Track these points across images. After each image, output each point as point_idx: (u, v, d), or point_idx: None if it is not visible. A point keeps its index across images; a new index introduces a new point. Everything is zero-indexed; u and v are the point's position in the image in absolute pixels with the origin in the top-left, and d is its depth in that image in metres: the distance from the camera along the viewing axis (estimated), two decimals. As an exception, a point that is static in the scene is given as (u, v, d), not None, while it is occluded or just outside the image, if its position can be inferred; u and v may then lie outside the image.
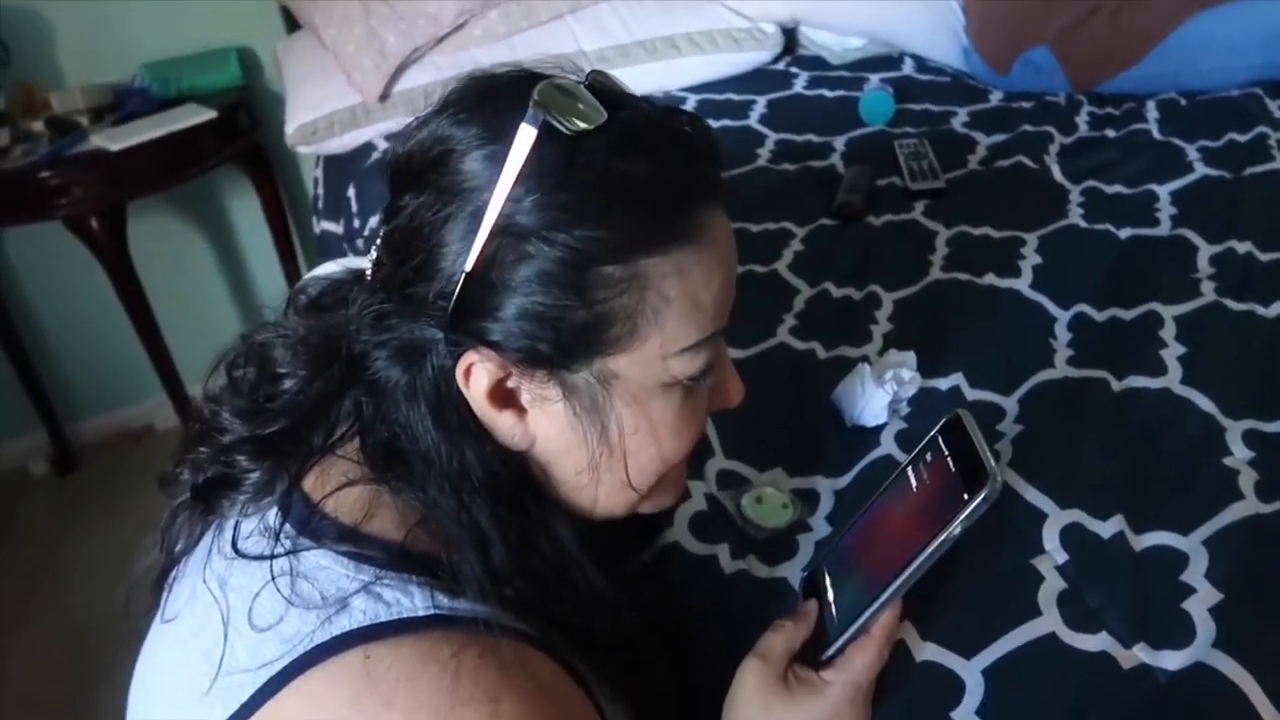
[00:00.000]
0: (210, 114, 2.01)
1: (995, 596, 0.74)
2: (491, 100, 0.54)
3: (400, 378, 0.55)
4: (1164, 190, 1.33)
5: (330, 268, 0.73)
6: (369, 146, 1.82)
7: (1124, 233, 1.23)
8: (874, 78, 1.83)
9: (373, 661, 0.48)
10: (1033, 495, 0.82)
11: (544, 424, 0.56)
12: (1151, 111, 1.63)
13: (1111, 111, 1.65)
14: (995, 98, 1.76)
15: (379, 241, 0.57)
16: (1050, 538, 0.78)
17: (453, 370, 0.53)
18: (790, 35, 2.07)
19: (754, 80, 1.92)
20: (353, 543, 0.53)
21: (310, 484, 0.57)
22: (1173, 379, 0.95)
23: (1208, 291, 1.08)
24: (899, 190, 1.40)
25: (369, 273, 0.58)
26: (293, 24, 2.19)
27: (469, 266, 0.50)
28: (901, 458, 0.88)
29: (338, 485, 0.55)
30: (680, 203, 0.53)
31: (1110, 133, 1.57)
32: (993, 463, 0.57)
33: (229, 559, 0.55)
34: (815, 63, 2.01)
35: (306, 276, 0.72)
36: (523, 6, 1.89)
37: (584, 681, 0.57)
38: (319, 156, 1.95)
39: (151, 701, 0.56)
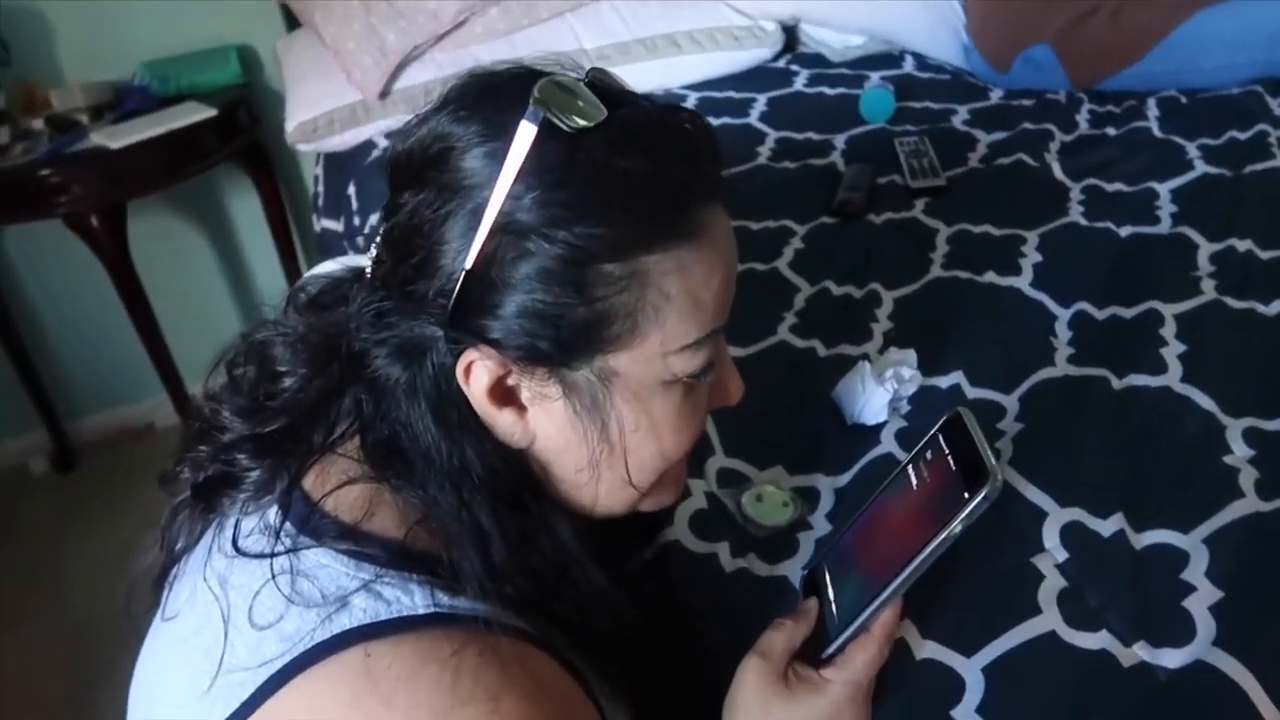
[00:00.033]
0: (210, 112, 2.01)
1: (995, 595, 0.74)
2: (492, 97, 0.54)
3: (400, 375, 0.55)
4: (1164, 188, 1.33)
5: (330, 266, 0.73)
6: (369, 144, 1.82)
7: (1124, 231, 1.23)
8: (874, 75, 1.83)
9: (373, 660, 0.48)
10: (1033, 493, 0.82)
11: (544, 422, 0.56)
12: (1152, 109, 1.63)
13: (1112, 109, 1.65)
14: (996, 95, 1.76)
15: (379, 239, 0.57)
16: (1050, 536, 0.78)
17: (453, 368, 0.53)
18: (791, 33, 2.07)
19: (754, 78, 1.92)
20: (353, 541, 0.53)
21: (310, 482, 0.57)
22: (1173, 377, 0.95)
23: (1208, 289, 1.08)
24: (899, 188, 1.40)
25: (369, 270, 0.58)
26: (293, 22, 2.19)
27: (469, 264, 0.50)
28: (902, 456, 0.88)
29: (338, 483, 0.55)
30: (680, 200, 0.53)
31: (1111, 131, 1.57)
32: (993, 461, 0.57)
33: (229, 557, 0.55)
34: (816, 60, 2.01)
35: (306, 274, 0.72)
36: (523, 4, 1.89)
37: (584, 680, 0.57)
38: (319, 154, 1.95)
39: (152, 700, 0.56)
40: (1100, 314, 1.06)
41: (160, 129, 1.93)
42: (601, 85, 0.55)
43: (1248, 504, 0.79)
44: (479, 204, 0.50)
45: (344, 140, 1.83)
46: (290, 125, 1.83)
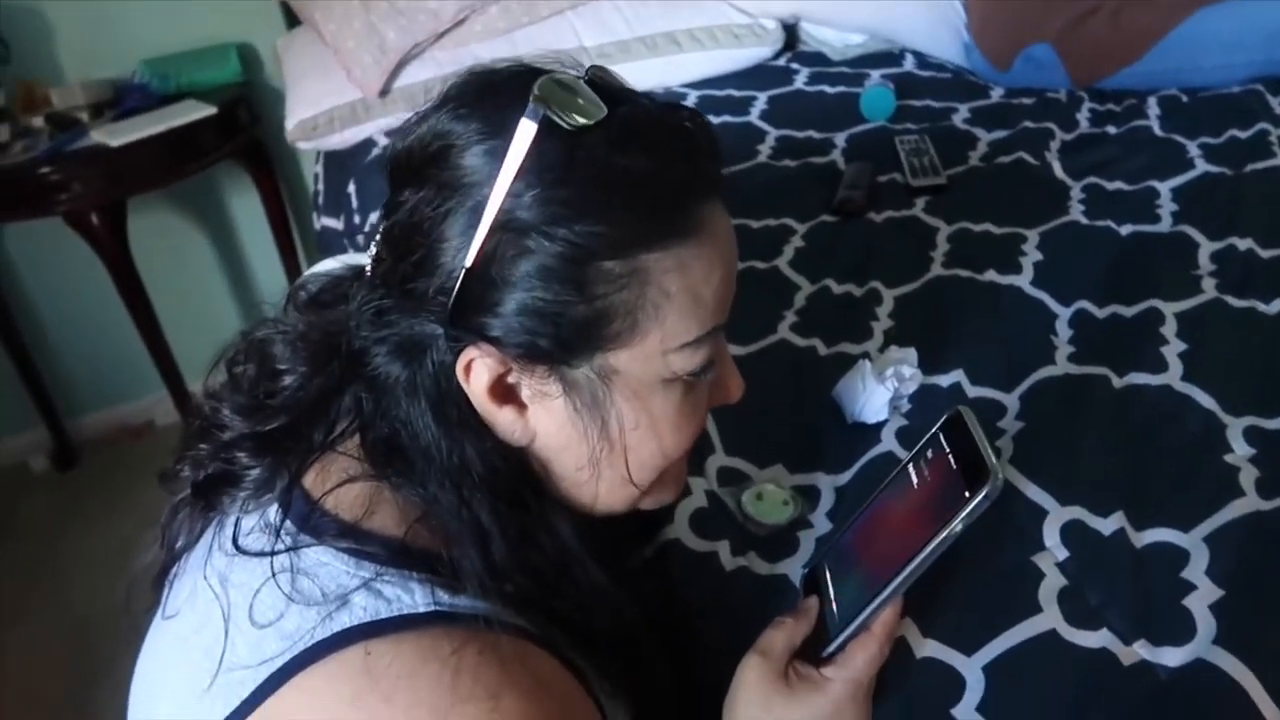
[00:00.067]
0: (210, 110, 2.01)
1: (996, 593, 0.74)
2: (491, 95, 0.53)
3: (400, 373, 0.54)
4: (1165, 187, 1.33)
5: (330, 264, 0.73)
6: (369, 142, 1.82)
7: (1125, 229, 1.23)
8: (875, 74, 1.83)
9: (373, 658, 0.48)
10: (1033, 492, 0.82)
11: (544, 420, 0.56)
12: (1153, 108, 1.63)
13: (1113, 108, 1.65)
14: (996, 94, 1.76)
15: (379, 237, 0.57)
16: (1051, 534, 0.78)
17: (453, 366, 0.53)
18: (791, 31, 2.07)
19: (755, 76, 1.91)
20: (353, 539, 0.53)
21: (311, 481, 0.57)
22: (1173, 376, 0.95)
23: (1209, 288, 1.08)
24: (900, 186, 1.39)
25: (369, 268, 0.58)
26: (293, 20, 2.19)
27: (469, 262, 0.50)
28: (902, 454, 0.88)
29: (338, 482, 0.55)
30: (681, 198, 0.53)
31: (1111, 129, 1.56)
32: (994, 460, 0.57)
33: (230, 555, 0.55)
34: (816, 59, 2.01)
35: (306, 273, 0.72)
36: (523, 3, 1.89)
37: (584, 678, 0.57)
38: (319, 152, 1.95)
39: (152, 698, 0.56)
40: (1101, 313, 1.06)
41: (160, 127, 1.93)
42: (601, 83, 0.54)
43: (1248, 502, 0.79)
44: (479, 202, 0.50)
45: (344, 138, 1.83)
46: (290, 123, 1.83)
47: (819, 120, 1.65)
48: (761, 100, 1.79)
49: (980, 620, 0.72)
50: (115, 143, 1.87)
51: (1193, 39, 1.65)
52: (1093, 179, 1.38)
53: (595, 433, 0.56)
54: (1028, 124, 1.58)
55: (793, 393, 0.99)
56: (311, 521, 0.54)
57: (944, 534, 0.57)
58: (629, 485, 0.59)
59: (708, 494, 0.87)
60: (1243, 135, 1.46)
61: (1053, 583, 0.74)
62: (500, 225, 0.50)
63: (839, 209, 1.33)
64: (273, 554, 0.53)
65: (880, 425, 0.93)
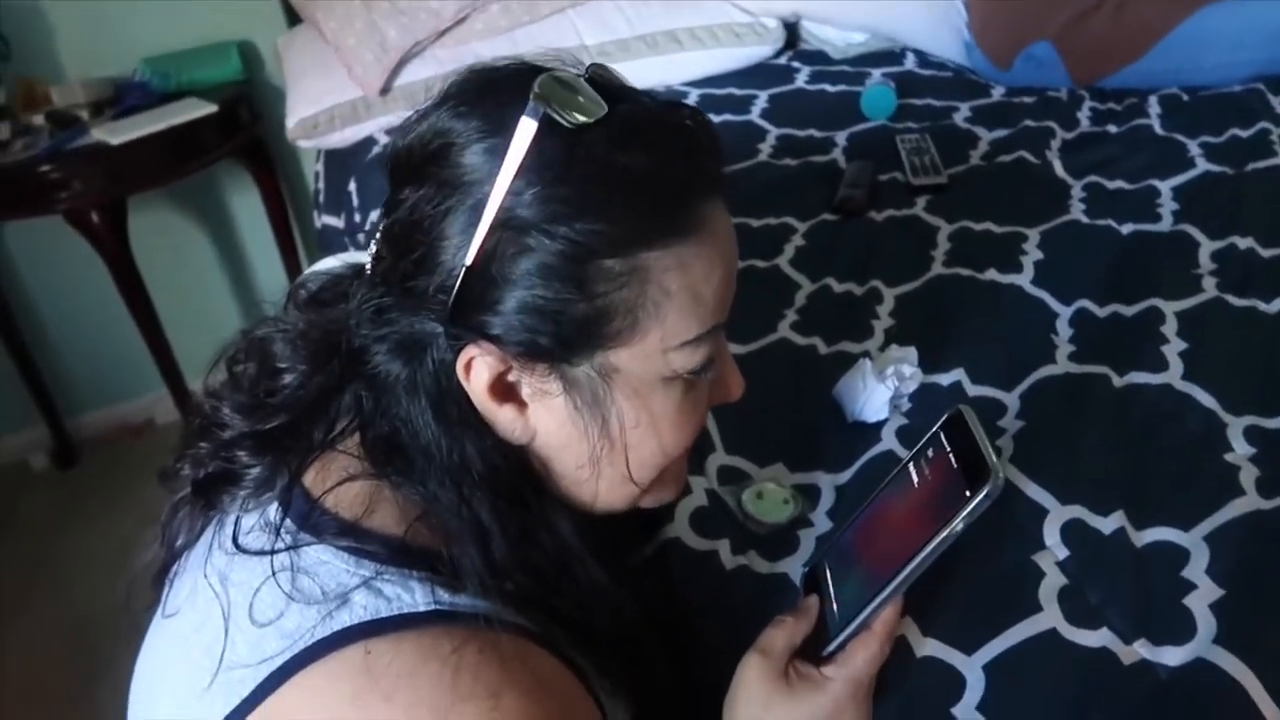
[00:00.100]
0: (211, 108, 2.01)
1: (996, 592, 0.74)
2: (491, 93, 0.53)
3: (400, 372, 0.54)
4: (1166, 186, 1.33)
5: (330, 262, 0.73)
6: (370, 141, 1.82)
7: (1126, 228, 1.23)
8: (876, 73, 1.83)
9: (373, 657, 0.48)
10: (1034, 491, 0.82)
11: (545, 418, 0.56)
12: (1153, 107, 1.63)
13: (1113, 107, 1.65)
14: (997, 93, 1.76)
15: (379, 235, 0.57)
16: (1051, 533, 0.78)
17: (453, 364, 0.53)
18: (792, 30, 2.07)
19: (756, 75, 1.91)
20: (353, 538, 0.53)
21: (311, 479, 0.57)
22: (1174, 375, 0.95)
23: (1209, 287, 1.08)
24: (901, 185, 1.39)
25: (369, 267, 0.58)
26: (293, 18, 2.19)
27: (469, 260, 0.50)
28: (903, 453, 0.88)
29: (338, 480, 0.55)
30: (681, 196, 0.53)
31: (1112, 128, 1.56)
32: (995, 459, 0.57)
33: (230, 554, 0.55)
34: (817, 57, 2.01)
35: (307, 271, 0.72)
36: (524, 1, 1.89)
37: (584, 676, 0.57)
38: (320, 151, 1.95)
39: (152, 696, 0.56)
40: (1101, 312, 1.06)
41: (161, 125, 1.93)
42: (602, 81, 0.54)
43: (1248, 502, 0.79)
44: (479, 200, 0.50)
45: (344, 136, 1.83)
46: (291, 121, 1.83)
47: (820, 119, 1.65)
48: (762, 99, 1.79)
49: (980, 619, 0.72)
50: (116, 141, 1.87)
51: (1194, 38, 1.65)
52: (1093, 178, 1.38)
53: (595, 431, 0.56)
54: (1028, 123, 1.58)
55: (793, 391, 0.99)
56: (311, 520, 0.54)
57: (945, 533, 0.57)
58: (629, 484, 0.59)
59: (708, 493, 0.87)
60: (1244, 134, 1.46)
61: (1053, 582, 0.74)
62: (500, 223, 0.50)
63: (840, 208, 1.33)
64: (273, 552, 0.53)
65: (881, 424, 0.93)
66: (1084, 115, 1.63)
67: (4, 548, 2.17)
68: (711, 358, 0.57)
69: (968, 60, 1.86)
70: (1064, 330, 1.04)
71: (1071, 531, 0.78)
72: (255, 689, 0.48)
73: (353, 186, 1.74)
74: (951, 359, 0.99)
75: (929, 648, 0.70)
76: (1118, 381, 0.95)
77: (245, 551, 0.54)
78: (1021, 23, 1.75)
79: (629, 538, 0.79)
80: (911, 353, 0.98)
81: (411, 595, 0.52)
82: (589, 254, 0.50)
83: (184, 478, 0.61)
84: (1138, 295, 1.08)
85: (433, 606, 0.51)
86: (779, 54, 2.01)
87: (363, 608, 0.50)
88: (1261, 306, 1.04)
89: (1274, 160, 1.37)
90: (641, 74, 1.69)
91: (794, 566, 0.80)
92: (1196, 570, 0.74)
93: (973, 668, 0.69)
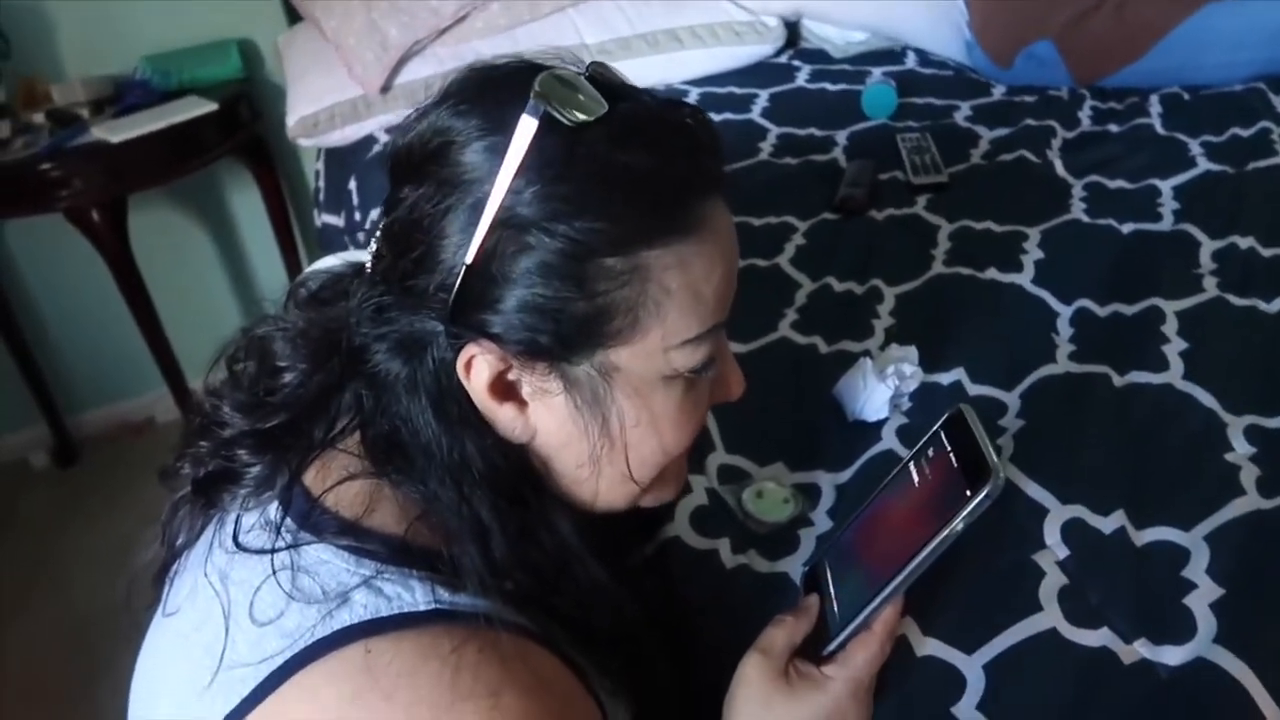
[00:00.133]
0: (211, 106, 2.01)
1: (996, 592, 0.74)
2: (492, 91, 0.53)
3: (401, 370, 0.54)
4: (1166, 185, 1.33)
5: (331, 261, 0.73)
6: (370, 139, 1.81)
7: (1126, 228, 1.23)
8: (877, 71, 1.82)
9: (373, 656, 0.48)
10: (1034, 490, 0.82)
11: (545, 417, 0.56)
12: (1154, 106, 1.63)
13: (1114, 106, 1.65)
14: (998, 92, 1.76)
15: (379, 234, 0.57)
16: (1051, 533, 0.78)
17: (453, 363, 0.53)
18: (793, 28, 2.07)
19: (756, 73, 1.91)
20: (353, 537, 0.53)
21: (311, 478, 0.57)
22: (1174, 374, 0.95)
23: (1210, 287, 1.08)
24: (901, 184, 1.39)
25: (369, 265, 0.58)
26: (294, 16, 2.19)
27: (469, 259, 0.50)
28: (903, 452, 0.88)
29: (338, 479, 0.55)
30: (681, 195, 0.53)
31: (1113, 127, 1.56)
32: (995, 458, 0.57)
33: (230, 553, 0.55)
34: (818, 56, 2.01)
35: (307, 270, 0.72)
36: (524, 1, 1.89)
37: (585, 675, 0.57)
38: (320, 149, 1.95)
39: (153, 695, 0.56)
40: (1102, 311, 1.06)
41: (161, 123, 1.93)
42: (602, 79, 0.54)
43: (1249, 501, 0.79)
44: (479, 198, 0.50)
45: (345, 135, 1.83)
46: (291, 120, 1.83)
47: (820, 118, 1.65)
48: (763, 97, 1.78)
49: (981, 619, 0.72)
50: (116, 139, 1.87)
51: (1195, 37, 1.65)
52: (1094, 177, 1.38)
53: (596, 430, 0.56)
54: (1029, 122, 1.58)
55: (793, 390, 0.99)
56: (312, 519, 0.54)
57: (945, 532, 0.57)
58: (629, 482, 0.59)
59: (708, 492, 0.87)
60: (1245, 134, 1.46)
61: (1053, 581, 0.74)
62: (501, 222, 0.50)
63: (840, 207, 1.33)
64: (273, 551, 0.53)
65: (881, 423, 0.93)
66: (1085, 114, 1.63)
67: (4, 546, 2.17)
68: (712, 356, 0.57)
69: (968, 59, 1.86)
70: (1064, 329, 1.04)
71: (1072, 531, 0.78)
72: (256, 688, 0.48)
73: (353, 185, 1.74)
74: (952, 358, 0.99)
75: (929, 647, 0.70)
76: (1118, 381, 0.95)
77: (246, 550, 0.54)
78: (1022, 22, 1.75)
79: (629, 537, 0.79)
80: (912, 352, 0.98)
81: (412, 594, 0.52)
82: (589, 252, 0.50)
83: (184, 476, 0.61)
84: (1138, 295, 1.07)
85: (433, 605, 0.51)
86: (779, 53, 2.01)
87: (363, 607, 0.50)
88: (1262, 306, 1.04)
89: (1275, 160, 1.36)
90: (642, 72, 1.69)
91: (794, 566, 0.80)
92: (1197, 570, 0.74)
93: (973, 667, 0.69)
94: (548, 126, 0.50)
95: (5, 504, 2.30)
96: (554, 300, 0.51)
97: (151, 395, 2.46)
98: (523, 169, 0.49)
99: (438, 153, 0.52)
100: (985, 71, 1.83)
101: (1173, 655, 0.68)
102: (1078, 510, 0.80)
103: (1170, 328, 1.01)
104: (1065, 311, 1.07)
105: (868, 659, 0.62)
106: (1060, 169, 1.42)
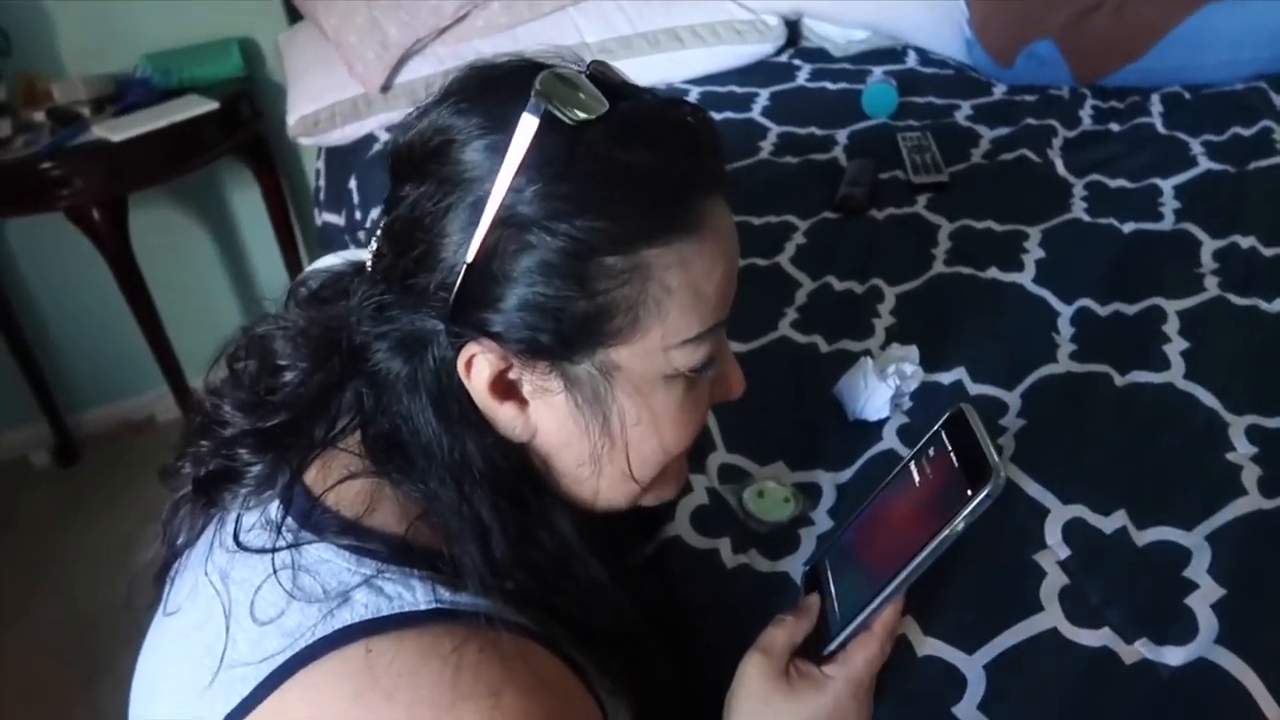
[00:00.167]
0: (212, 105, 2.01)
1: (997, 592, 0.74)
2: (493, 90, 0.53)
3: (401, 369, 0.54)
4: (1167, 184, 1.33)
5: (331, 260, 0.73)
6: (370, 138, 1.81)
7: (1127, 227, 1.23)
8: (877, 70, 1.82)
9: (374, 655, 0.48)
10: (1035, 490, 0.82)
11: (545, 416, 0.56)
12: (1155, 105, 1.62)
13: (1115, 105, 1.65)
14: (999, 91, 1.76)
15: (379, 232, 0.57)
16: (1052, 533, 0.78)
17: (454, 362, 0.53)
18: (793, 27, 2.07)
19: (757, 72, 1.91)
20: (354, 536, 0.53)
21: (312, 477, 0.56)
22: (1175, 374, 0.95)
23: (1211, 286, 1.08)
24: (902, 184, 1.39)
25: (369, 264, 0.57)
26: (295, 15, 2.19)
27: (470, 257, 0.50)
28: (904, 452, 0.88)
29: (339, 478, 0.55)
30: (682, 193, 0.53)
31: (1114, 126, 1.56)
32: (996, 458, 0.57)
33: (231, 552, 0.55)
34: (818, 55, 2.01)
35: (307, 269, 0.72)
36: (525, -1, 1.89)
37: (585, 675, 0.57)
38: (320, 148, 1.95)
39: (153, 694, 0.56)
40: (1103, 310, 1.06)
41: (162, 122, 1.93)
42: (603, 78, 0.54)
43: (1250, 501, 0.79)
44: (480, 197, 0.50)
45: (345, 134, 1.83)
46: (292, 119, 1.83)
47: (821, 117, 1.65)
48: (763, 96, 1.78)
49: (981, 618, 0.72)
50: (117, 138, 1.87)
51: (1196, 36, 1.65)
52: (1095, 176, 1.37)
53: (596, 429, 0.56)
54: (1030, 121, 1.58)
55: (794, 390, 0.99)
56: (313, 518, 0.54)
57: (946, 532, 0.57)
58: (630, 482, 0.59)
59: (709, 491, 0.87)
60: (1246, 133, 1.46)
61: (1054, 581, 0.74)
62: (501, 220, 0.50)
63: (841, 206, 1.33)
64: (274, 551, 0.53)
65: (882, 423, 0.93)
66: (1086, 113, 1.63)
67: (5, 545, 2.17)
68: (713, 355, 0.57)
69: (969, 58, 1.86)
70: (1065, 329, 1.04)
71: (1073, 531, 0.78)
72: (256, 687, 0.48)
73: (353, 184, 1.74)
74: (952, 358, 0.99)
75: (930, 647, 0.70)
76: (1119, 380, 0.95)
77: (246, 549, 0.54)
78: (1023, 21, 1.75)
79: (629, 536, 0.79)
80: (913, 351, 0.98)
81: (412, 594, 0.52)
82: (590, 251, 0.50)
83: (185, 475, 0.61)
84: (1139, 294, 1.07)
85: (434, 605, 0.51)
86: (780, 52, 2.01)
87: (364, 606, 0.50)
88: (1263, 306, 1.04)
89: (1276, 159, 1.36)
90: (642, 71, 1.69)
91: (795, 565, 0.80)
92: (1198, 570, 0.74)
93: (974, 667, 0.69)
94: (549, 125, 0.50)
95: (6, 503, 2.30)
96: (555, 299, 0.51)
97: (152, 394, 2.46)
98: (524, 167, 0.49)
99: (438, 151, 0.52)
100: (986, 71, 1.83)
101: (1174, 655, 0.68)
102: (1079, 510, 0.80)
103: (1171, 327, 1.01)
104: (1066, 311, 1.07)
105: (868, 659, 0.62)
106: (1061, 168, 1.42)
